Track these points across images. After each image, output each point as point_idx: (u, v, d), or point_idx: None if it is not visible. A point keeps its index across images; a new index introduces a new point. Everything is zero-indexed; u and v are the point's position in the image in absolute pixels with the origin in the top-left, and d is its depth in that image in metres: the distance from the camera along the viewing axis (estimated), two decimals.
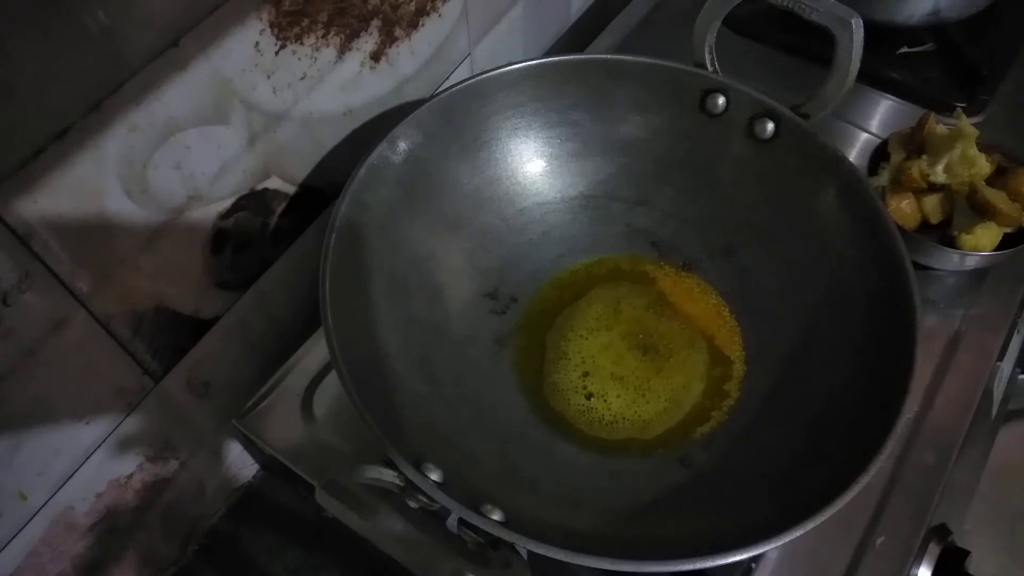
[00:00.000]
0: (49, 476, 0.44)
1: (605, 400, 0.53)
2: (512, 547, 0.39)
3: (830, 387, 0.49)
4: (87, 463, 0.46)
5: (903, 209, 0.58)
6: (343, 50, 0.50)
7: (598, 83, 0.57)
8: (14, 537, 0.44)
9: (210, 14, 0.40)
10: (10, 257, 0.36)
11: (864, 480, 0.40)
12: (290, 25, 0.45)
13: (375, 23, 0.51)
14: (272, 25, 0.44)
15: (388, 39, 0.53)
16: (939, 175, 0.57)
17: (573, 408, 0.53)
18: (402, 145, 0.52)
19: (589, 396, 0.53)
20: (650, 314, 0.56)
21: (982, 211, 0.56)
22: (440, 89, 0.56)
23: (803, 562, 0.49)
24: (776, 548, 0.47)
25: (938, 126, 0.59)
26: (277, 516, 0.59)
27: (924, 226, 0.59)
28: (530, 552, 0.39)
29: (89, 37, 0.35)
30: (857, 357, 0.49)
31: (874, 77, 0.70)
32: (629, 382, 0.54)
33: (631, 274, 0.58)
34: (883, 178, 0.60)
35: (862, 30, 0.50)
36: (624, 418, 0.52)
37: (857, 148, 0.68)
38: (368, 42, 0.52)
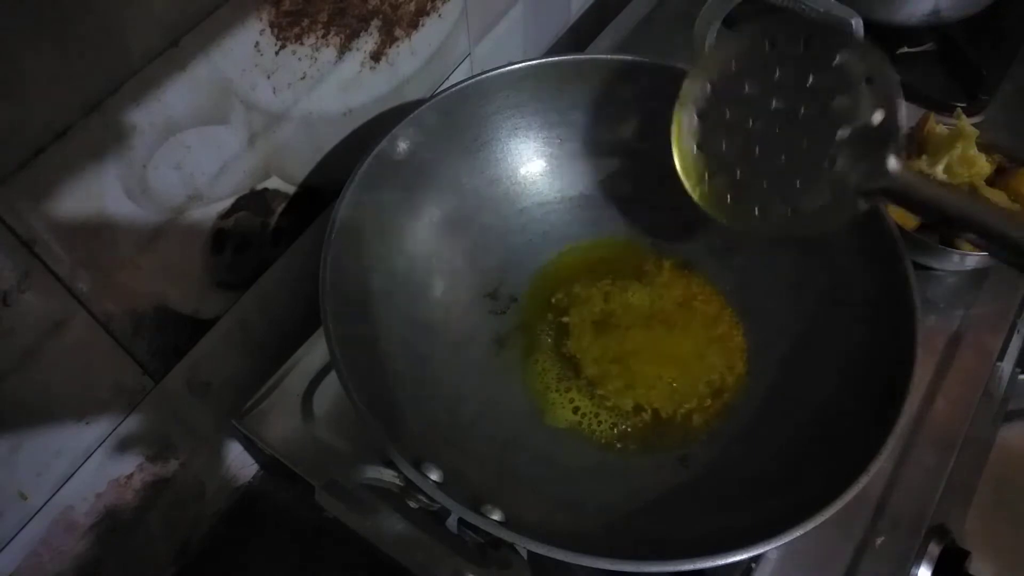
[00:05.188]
0: (49, 476, 0.44)
1: (594, 414, 0.52)
2: (512, 547, 0.39)
3: (830, 387, 0.49)
4: (87, 463, 0.46)
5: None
6: (343, 50, 0.50)
7: (598, 83, 0.57)
8: (14, 537, 0.44)
9: (210, 14, 0.40)
10: (10, 257, 0.36)
11: (864, 480, 0.40)
12: (290, 25, 0.45)
13: (375, 23, 0.51)
14: (272, 25, 0.44)
15: (388, 39, 0.53)
16: (939, 175, 0.57)
17: (560, 420, 0.52)
18: (402, 145, 0.52)
19: (576, 410, 0.52)
20: (649, 314, 0.56)
21: None
22: (440, 89, 0.55)
23: (803, 562, 0.49)
24: (776, 548, 0.47)
25: (938, 126, 0.59)
26: (277, 516, 0.59)
27: (924, 226, 0.59)
28: (530, 552, 0.39)
29: (89, 37, 0.35)
30: (857, 357, 0.49)
31: None
32: (621, 387, 0.53)
33: (631, 273, 0.58)
34: None
35: (862, 30, 0.50)
36: (611, 428, 0.52)
37: None
38: (368, 42, 0.52)
